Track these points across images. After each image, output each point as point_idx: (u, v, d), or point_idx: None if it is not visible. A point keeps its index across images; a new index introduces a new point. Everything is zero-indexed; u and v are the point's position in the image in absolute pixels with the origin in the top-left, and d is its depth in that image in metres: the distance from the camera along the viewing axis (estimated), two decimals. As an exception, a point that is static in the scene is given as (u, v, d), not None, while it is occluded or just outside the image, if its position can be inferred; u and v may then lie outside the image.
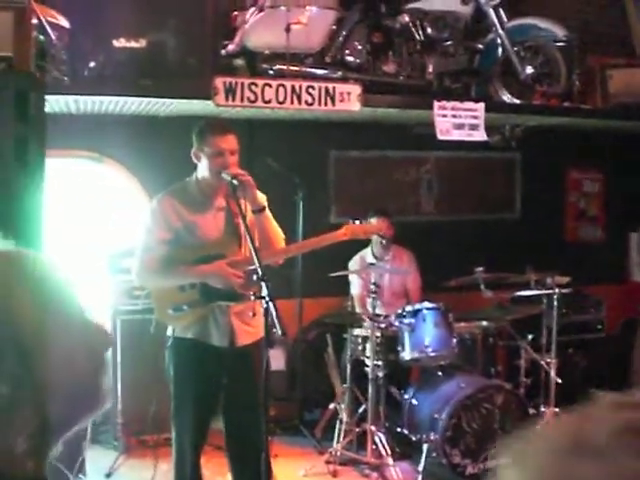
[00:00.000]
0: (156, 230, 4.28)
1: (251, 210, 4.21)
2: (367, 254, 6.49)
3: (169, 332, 4.36)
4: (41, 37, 4.85)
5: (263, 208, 4.27)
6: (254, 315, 4.26)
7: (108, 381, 1.17)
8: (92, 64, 5.48)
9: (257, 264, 3.90)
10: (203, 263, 4.25)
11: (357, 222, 4.62)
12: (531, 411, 5.66)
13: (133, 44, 5.52)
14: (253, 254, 3.96)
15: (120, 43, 5.53)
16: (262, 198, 4.33)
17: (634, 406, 0.74)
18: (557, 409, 5.83)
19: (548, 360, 5.90)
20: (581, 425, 0.76)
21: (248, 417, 4.22)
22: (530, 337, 6.16)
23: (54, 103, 5.45)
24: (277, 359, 6.27)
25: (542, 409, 5.87)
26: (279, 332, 3.70)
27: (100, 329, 1.15)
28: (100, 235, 6.69)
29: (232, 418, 4.37)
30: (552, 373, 5.87)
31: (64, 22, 5.32)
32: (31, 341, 1.05)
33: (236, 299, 4.26)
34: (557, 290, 5.84)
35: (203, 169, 4.30)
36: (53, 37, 5.05)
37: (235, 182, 4.14)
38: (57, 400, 1.08)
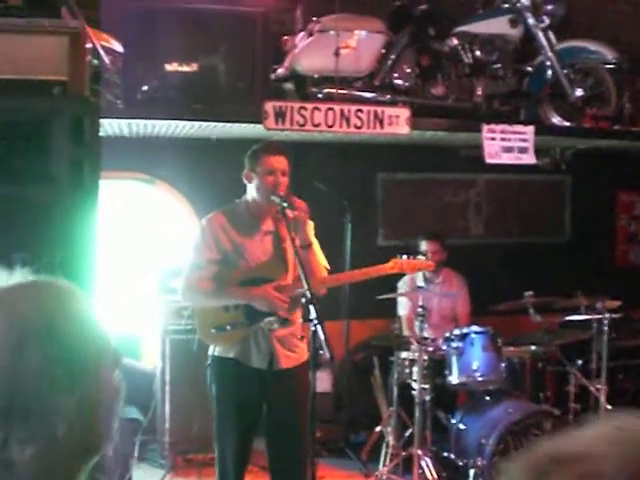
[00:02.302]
0: (205, 249, 4.33)
1: (299, 245, 4.21)
2: (417, 275, 6.47)
3: (210, 351, 4.41)
4: (95, 61, 4.94)
5: (310, 244, 4.30)
6: (303, 338, 4.30)
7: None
8: (145, 88, 5.57)
9: (306, 287, 3.93)
10: (249, 286, 4.29)
11: (405, 257, 4.67)
12: (580, 438, 5.57)
13: (185, 68, 5.60)
14: (302, 277, 4.00)
15: (172, 67, 5.62)
16: (310, 228, 4.36)
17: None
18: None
19: (598, 386, 5.82)
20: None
21: (289, 440, 4.25)
22: (580, 362, 6.09)
23: (107, 126, 5.56)
24: (323, 381, 6.27)
25: (592, 436, 5.78)
26: (327, 355, 3.71)
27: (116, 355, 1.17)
28: (151, 256, 6.77)
29: (274, 440, 4.38)
30: (602, 399, 5.78)
31: (117, 46, 5.42)
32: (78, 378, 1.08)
33: (279, 323, 4.29)
34: (607, 315, 5.76)
35: (254, 190, 4.35)
36: (107, 61, 5.15)
37: (285, 205, 4.19)
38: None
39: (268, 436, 4.40)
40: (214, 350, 4.39)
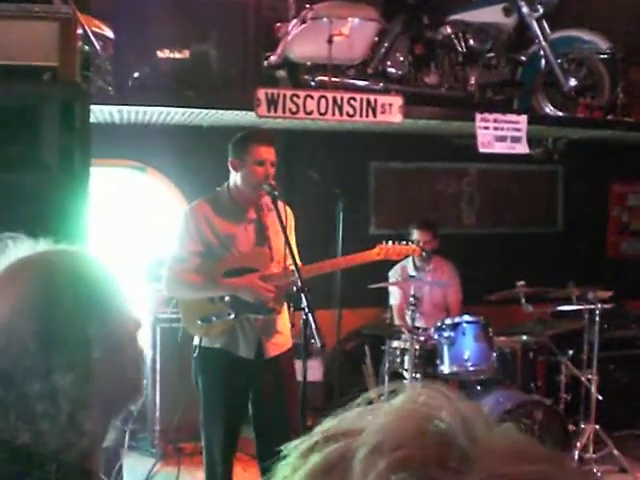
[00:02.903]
0: (188, 241, 4.28)
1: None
2: (408, 264, 6.46)
3: (196, 341, 4.37)
4: (86, 47, 4.91)
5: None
6: (293, 326, 4.30)
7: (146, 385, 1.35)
8: (136, 74, 5.53)
9: (297, 275, 3.92)
10: (234, 276, 4.26)
11: (391, 243, 4.64)
12: (571, 428, 5.59)
13: (177, 55, 5.57)
14: (293, 265, 3.99)
15: (164, 54, 5.58)
16: (290, 216, 4.37)
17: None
18: (597, 426, 5.76)
19: (589, 376, 5.83)
20: None
21: (279, 427, 4.23)
22: (571, 352, 6.10)
23: (98, 113, 5.52)
24: (315, 370, 6.26)
25: (582, 426, 5.79)
26: (318, 344, 3.71)
27: (135, 318, 1.33)
28: (142, 243, 6.75)
29: (261, 428, 4.38)
30: (593, 389, 5.79)
31: (109, 33, 5.39)
32: (89, 334, 1.22)
33: (266, 312, 4.27)
34: (599, 305, 5.76)
35: (239, 178, 4.30)
36: (98, 47, 5.11)
37: (276, 193, 4.17)
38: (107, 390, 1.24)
39: (257, 424, 4.40)
40: (200, 341, 4.34)
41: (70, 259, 1.29)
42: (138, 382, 1.32)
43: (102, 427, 1.26)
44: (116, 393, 1.26)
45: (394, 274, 6.43)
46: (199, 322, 4.26)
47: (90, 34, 4.95)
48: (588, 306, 5.82)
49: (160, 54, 5.57)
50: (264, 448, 4.34)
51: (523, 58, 6.47)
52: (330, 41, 5.73)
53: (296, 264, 3.99)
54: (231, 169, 4.34)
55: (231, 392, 4.29)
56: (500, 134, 6.05)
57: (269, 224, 4.32)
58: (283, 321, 4.40)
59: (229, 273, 4.28)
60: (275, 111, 5.49)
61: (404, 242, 4.86)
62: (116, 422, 1.29)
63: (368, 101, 5.71)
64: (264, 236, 4.34)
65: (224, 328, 4.28)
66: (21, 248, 1.27)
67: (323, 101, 5.59)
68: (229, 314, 4.23)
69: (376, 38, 6.17)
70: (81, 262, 1.30)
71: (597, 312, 5.76)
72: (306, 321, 3.80)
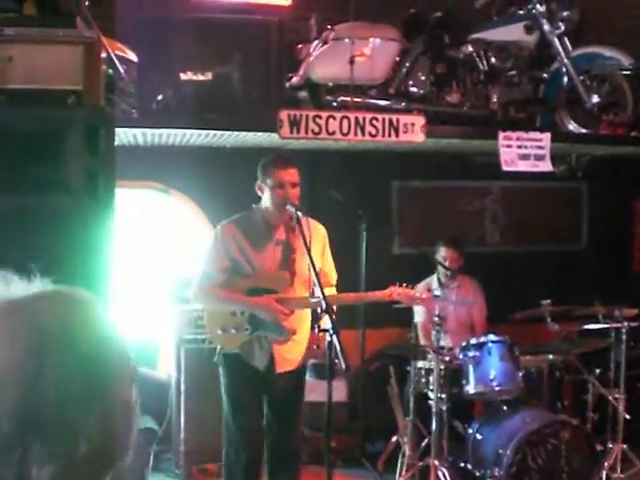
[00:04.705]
0: (217, 258, 4.57)
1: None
2: (433, 282, 6.44)
3: (217, 349, 4.73)
4: (110, 71, 4.96)
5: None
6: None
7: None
8: (159, 97, 5.57)
9: (322, 297, 3.98)
10: (255, 295, 4.55)
11: (404, 285, 4.80)
12: (598, 447, 5.52)
13: (199, 77, 5.60)
14: (317, 286, 4.07)
15: (187, 76, 5.62)
16: (320, 233, 4.63)
17: None
18: (625, 445, 5.69)
19: (616, 395, 5.77)
20: None
21: (287, 439, 4.67)
22: (598, 371, 6.03)
23: (122, 135, 5.56)
24: (339, 390, 6.23)
25: (610, 445, 5.73)
26: (342, 366, 3.73)
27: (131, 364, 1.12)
28: (166, 265, 6.77)
29: (272, 438, 4.71)
30: (620, 408, 5.73)
31: (132, 56, 5.43)
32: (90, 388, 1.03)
33: (280, 333, 4.53)
34: (625, 323, 5.71)
35: (266, 201, 4.53)
36: (122, 71, 5.15)
37: (299, 214, 4.24)
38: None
39: (266, 433, 4.71)
40: (221, 347, 4.70)
41: (64, 309, 1.07)
42: (123, 453, 1.08)
43: None
44: (98, 473, 1.05)
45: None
46: (219, 331, 4.61)
47: (114, 57, 4.99)
48: (614, 324, 5.77)
49: (183, 76, 5.62)
50: (274, 461, 4.75)
51: (545, 75, 6.45)
52: (352, 62, 5.75)
53: (320, 285, 4.06)
54: (259, 192, 4.59)
55: (248, 394, 4.63)
56: (523, 152, 6.02)
57: (297, 245, 4.52)
58: (300, 341, 4.65)
59: (251, 291, 4.56)
60: (298, 132, 5.51)
61: (417, 287, 5.15)
62: None
63: (390, 121, 5.71)
64: (290, 259, 4.57)
65: (243, 340, 4.59)
66: (11, 288, 1.08)
67: (345, 121, 5.60)
68: (246, 329, 4.55)
69: (397, 58, 6.18)
70: (76, 319, 1.07)
71: (623, 330, 5.70)
72: (331, 342, 3.82)
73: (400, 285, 4.78)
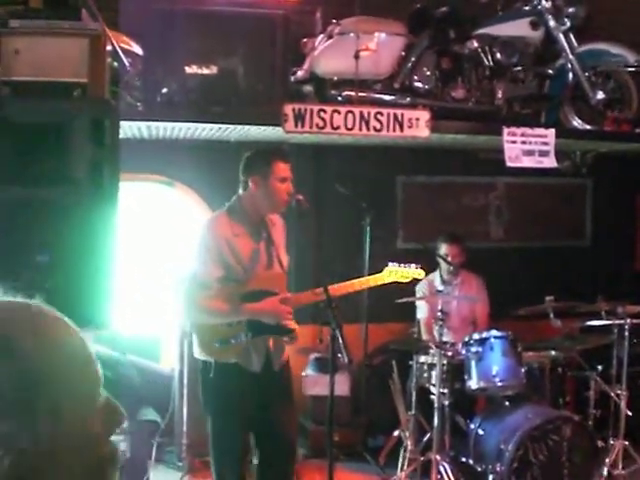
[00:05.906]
0: (211, 266, 4.27)
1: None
2: (435, 278, 6.45)
3: (209, 360, 4.36)
4: (115, 64, 4.96)
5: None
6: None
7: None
8: (164, 90, 5.58)
9: (324, 291, 3.96)
10: (252, 299, 4.31)
11: (397, 265, 4.76)
12: (600, 444, 5.52)
13: (204, 71, 5.61)
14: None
15: (192, 70, 5.62)
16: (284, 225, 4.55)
17: None
18: (627, 442, 5.69)
19: (618, 392, 5.77)
20: None
21: (282, 437, 4.42)
22: (600, 368, 6.03)
23: (127, 128, 5.56)
24: (342, 384, 6.25)
25: (611, 442, 5.73)
26: (345, 360, 3.73)
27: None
28: (169, 258, 6.78)
29: (265, 439, 4.49)
30: (622, 405, 5.73)
31: (137, 49, 5.44)
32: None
33: (284, 333, 4.37)
34: (628, 320, 5.71)
35: (261, 196, 4.33)
36: (127, 64, 5.16)
37: (303, 207, 4.21)
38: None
39: (259, 433, 4.48)
40: (214, 361, 4.36)
41: (29, 316, 1.03)
42: None
43: None
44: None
45: (421, 288, 6.41)
46: (217, 345, 4.31)
47: (119, 50, 4.99)
48: (617, 321, 5.76)
49: (188, 70, 5.62)
50: (266, 458, 4.50)
51: (550, 71, 6.44)
52: (357, 56, 5.75)
53: (325, 283, 4.05)
54: (251, 186, 4.36)
55: (244, 406, 4.33)
56: (528, 148, 6.02)
57: (275, 239, 4.41)
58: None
59: (246, 296, 4.31)
60: (302, 126, 5.51)
61: (411, 265, 4.94)
62: None
63: (395, 116, 5.71)
64: (275, 254, 4.40)
65: (241, 348, 4.33)
66: None
67: (350, 116, 5.60)
68: (246, 335, 4.30)
69: (403, 53, 6.18)
70: (42, 324, 1.03)
71: (626, 327, 5.70)
72: (333, 336, 3.82)
73: (394, 264, 4.79)
